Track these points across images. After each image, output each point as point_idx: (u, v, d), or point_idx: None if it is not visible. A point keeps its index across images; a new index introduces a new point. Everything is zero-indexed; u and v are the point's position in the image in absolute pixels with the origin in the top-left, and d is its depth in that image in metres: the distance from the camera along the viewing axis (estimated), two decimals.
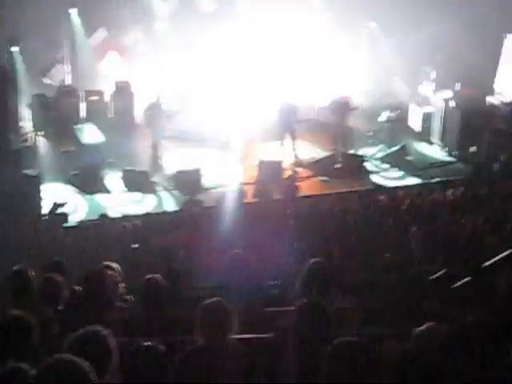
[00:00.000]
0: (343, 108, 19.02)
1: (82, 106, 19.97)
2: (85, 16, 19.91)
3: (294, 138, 18.98)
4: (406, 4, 20.45)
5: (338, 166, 18.41)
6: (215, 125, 19.65)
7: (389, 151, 19.15)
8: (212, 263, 8.49)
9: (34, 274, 6.82)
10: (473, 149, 19.25)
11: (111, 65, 20.92)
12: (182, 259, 10.00)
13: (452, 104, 19.73)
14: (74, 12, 19.75)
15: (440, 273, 7.55)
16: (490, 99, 19.92)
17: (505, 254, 7.76)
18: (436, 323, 5.13)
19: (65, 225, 14.31)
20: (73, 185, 17.01)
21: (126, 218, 14.45)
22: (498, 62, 20.94)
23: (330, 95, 19.84)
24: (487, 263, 7.67)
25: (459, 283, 7.28)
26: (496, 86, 20.84)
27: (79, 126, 18.43)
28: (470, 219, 10.39)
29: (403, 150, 19.15)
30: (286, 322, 5.71)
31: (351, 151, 19.25)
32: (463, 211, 11.45)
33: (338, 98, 19.27)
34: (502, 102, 19.83)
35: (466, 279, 7.28)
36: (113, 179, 17.48)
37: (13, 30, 18.46)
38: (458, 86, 20.78)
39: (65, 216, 14.53)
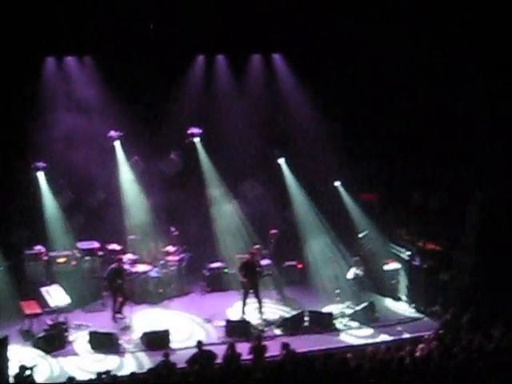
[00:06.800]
0: None
1: (49, 269, 19.91)
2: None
3: (259, 296, 19.08)
4: None
5: (306, 324, 18.39)
6: None
7: (356, 308, 19.16)
8: None
9: None
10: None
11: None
12: None
13: (417, 260, 20.03)
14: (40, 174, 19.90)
15: None
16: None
17: None
18: None
19: None
20: (39, 348, 16.80)
21: (93, 381, 14.11)
22: None
23: None
24: None
25: None
26: None
27: (45, 288, 18.32)
28: None
29: (371, 307, 19.22)
30: None
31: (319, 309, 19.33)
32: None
33: None
34: None
35: None
36: (79, 341, 17.32)
37: None
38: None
39: (32, 379, 14.18)
